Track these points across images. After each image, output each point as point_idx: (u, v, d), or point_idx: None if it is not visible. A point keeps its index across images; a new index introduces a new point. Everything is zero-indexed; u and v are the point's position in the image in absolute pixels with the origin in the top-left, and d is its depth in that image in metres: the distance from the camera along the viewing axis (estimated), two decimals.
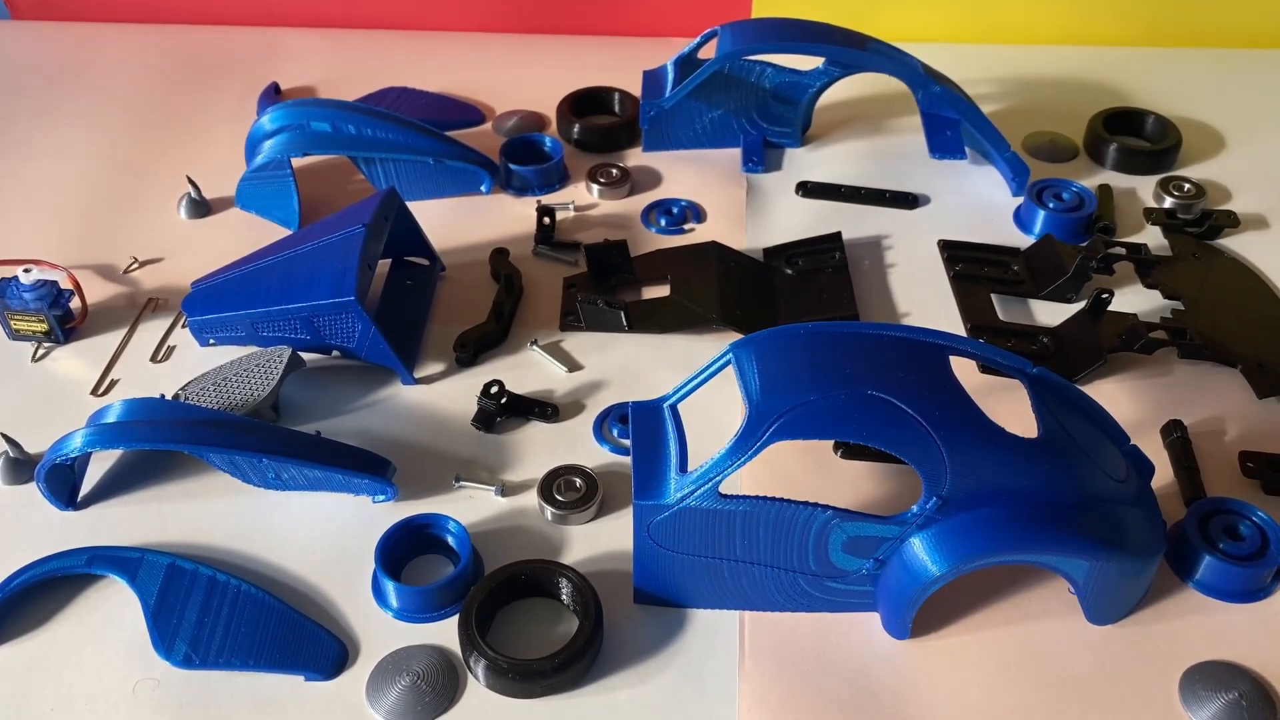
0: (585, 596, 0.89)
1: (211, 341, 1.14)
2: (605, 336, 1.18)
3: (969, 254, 1.27)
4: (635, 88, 1.46)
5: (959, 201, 1.37)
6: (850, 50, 1.33)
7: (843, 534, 0.86)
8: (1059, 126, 1.49)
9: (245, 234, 1.30)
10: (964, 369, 0.89)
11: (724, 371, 0.90)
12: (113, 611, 0.93)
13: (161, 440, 0.97)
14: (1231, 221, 1.31)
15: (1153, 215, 1.32)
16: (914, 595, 0.86)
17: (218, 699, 0.87)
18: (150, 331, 1.19)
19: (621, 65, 1.56)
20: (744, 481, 1.01)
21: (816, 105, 1.44)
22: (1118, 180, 1.40)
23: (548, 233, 1.28)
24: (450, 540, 0.96)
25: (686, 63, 1.41)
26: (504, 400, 1.07)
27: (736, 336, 1.11)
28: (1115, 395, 1.10)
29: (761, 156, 1.42)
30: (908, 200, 1.36)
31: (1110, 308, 1.15)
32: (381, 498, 1.01)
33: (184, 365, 1.15)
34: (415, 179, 1.34)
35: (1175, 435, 1.05)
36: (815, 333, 0.89)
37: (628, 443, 1.01)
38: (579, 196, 1.38)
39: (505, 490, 1.02)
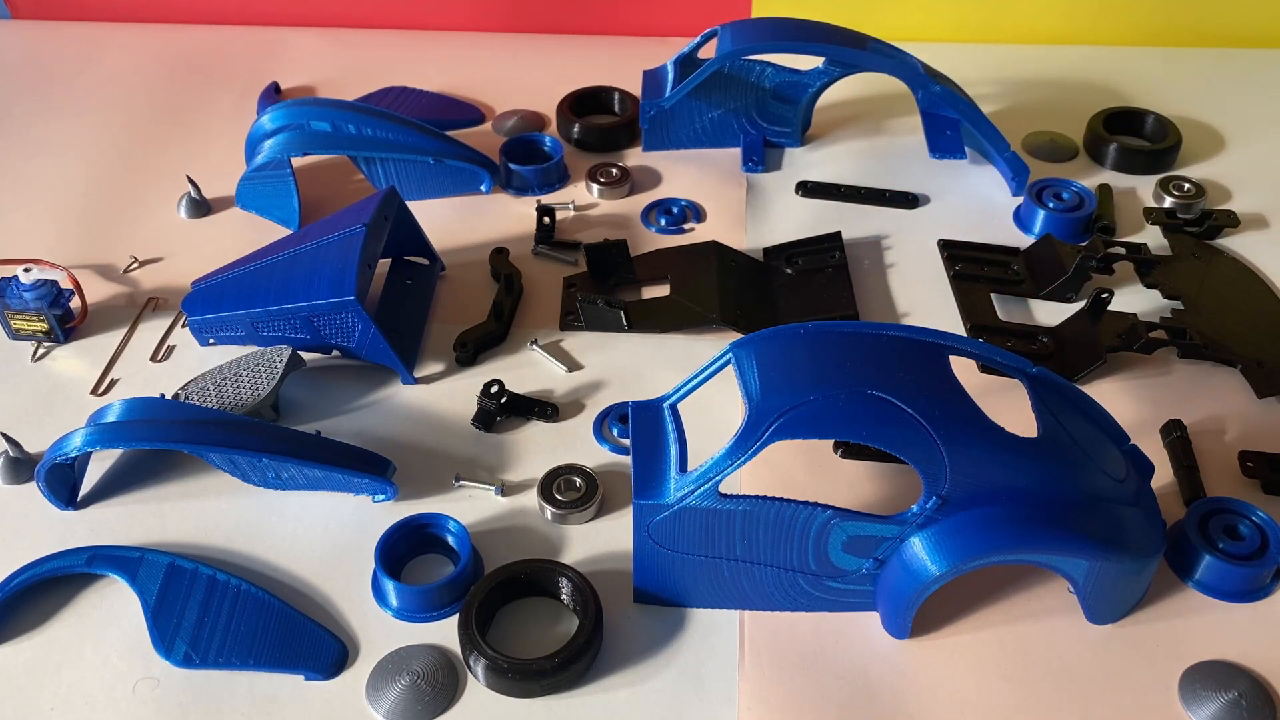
0: (585, 596, 0.89)
1: (211, 341, 1.14)
2: (605, 336, 1.18)
3: (969, 254, 1.27)
4: (635, 88, 1.46)
5: (959, 201, 1.37)
6: (850, 50, 1.33)
7: (842, 533, 0.86)
8: (1059, 126, 1.49)
9: (245, 234, 1.30)
10: (964, 369, 0.89)
11: (724, 371, 0.90)
12: (113, 611, 0.93)
13: (161, 440, 0.97)
14: (1231, 221, 1.31)
15: (1152, 215, 1.32)
16: (914, 595, 0.86)
17: (218, 698, 0.87)
18: (150, 331, 1.19)
19: (621, 65, 1.56)
20: (744, 481, 1.01)
21: (816, 105, 1.44)
22: (1118, 180, 1.40)
23: (548, 232, 1.28)
24: (450, 540, 0.96)
25: (686, 62, 1.41)
26: (504, 400, 1.07)
27: (736, 336, 1.12)
28: (1115, 395, 1.10)
29: (761, 156, 1.42)
30: (908, 200, 1.36)
31: (1110, 307, 1.15)
32: (381, 497, 1.01)
33: (184, 365, 1.15)
34: (415, 179, 1.34)
35: (1175, 435, 1.05)
36: (815, 332, 0.89)
37: (628, 442, 1.01)
38: (579, 196, 1.38)
39: (505, 490, 1.02)
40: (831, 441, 1.04)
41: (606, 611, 0.90)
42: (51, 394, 1.12)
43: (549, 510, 0.99)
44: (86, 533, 0.99)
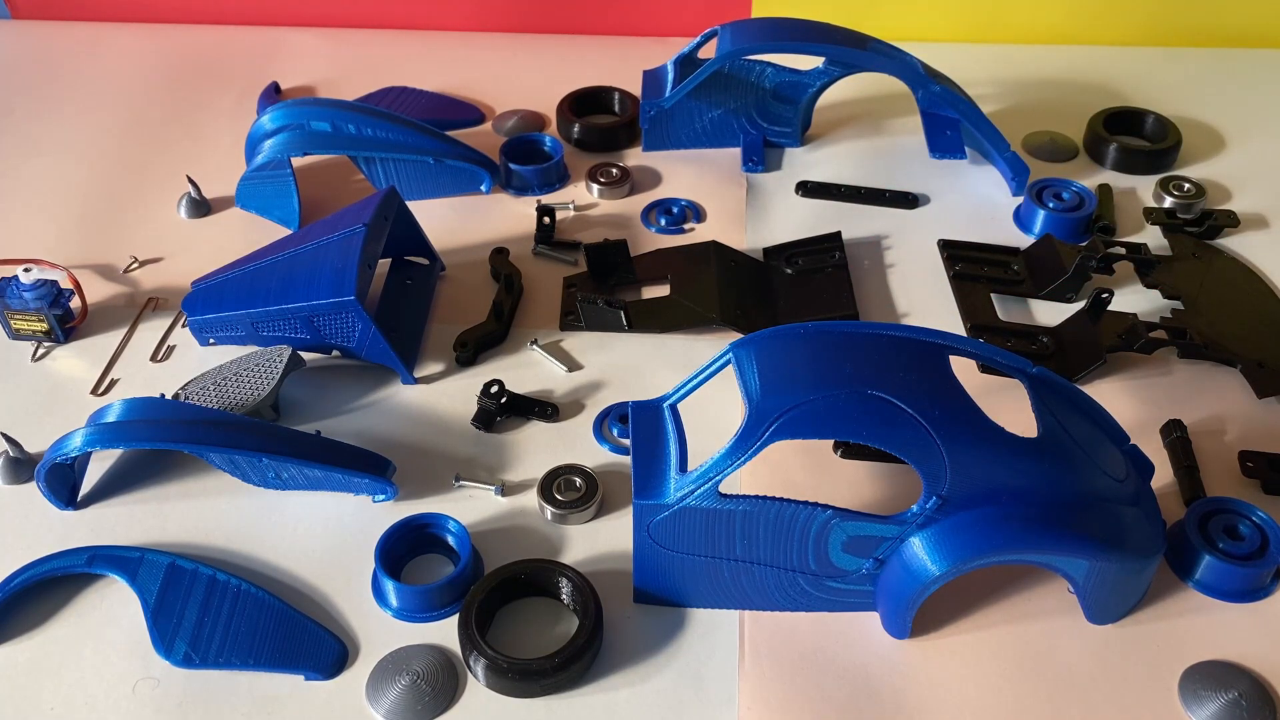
0: (585, 596, 0.89)
1: (211, 341, 1.15)
2: (605, 336, 1.18)
3: (969, 254, 1.27)
4: (635, 88, 1.46)
5: (959, 201, 1.37)
6: (850, 50, 1.33)
7: (842, 533, 0.86)
8: (1059, 126, 1.49)
9: (245, 234, 1.30)
10: (964, 369, 0.89)
11: (724, 371, 0.90)
12: (113, 611, 0.93)
13: (161, 440, 0.97)
14: (1231, 221, 1.31)
15: (1152, 215, 1.32)
16: (914, 595, 0.86)
17: (218, 698, 0.87)
18: (150, 331, 1.19)
19: (621, 65, 1.56)
20: (744, 481, 1.01)
21: (816, 105, 1.44)
22: (1118, 180, 1.40)
23: (547, 232, 1.28)
24: (450, 540, 0.96)
25: (686, 62, 1.41)
26: (504, 400, 1.07)
27: (736, 336, 1.12)
28: (1115, 395, 1.10)
29: (761, 156, 1.42)
30: (908, 200, 1.36)
31: (1110, 307, 1.15)
32: (381, 497, 1.01)
33: (184, 365, 1.15)
34: (415, 179, 1.34)
35: (1175, 435, 1.05)
36: (815, 332, 0.89)
37: (628, 442, 1.01)
38: (579, 196, 1.38)
39: (505, 490, 1.02)
40: (831, 441, 1.04)
41: (606, 611, 0.90)
42: (51, 394, 1.12)
43: (549, 510, 0.99)
44: (86, 533, 0.99)
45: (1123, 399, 1.10)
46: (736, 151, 1.44)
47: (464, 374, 1.14)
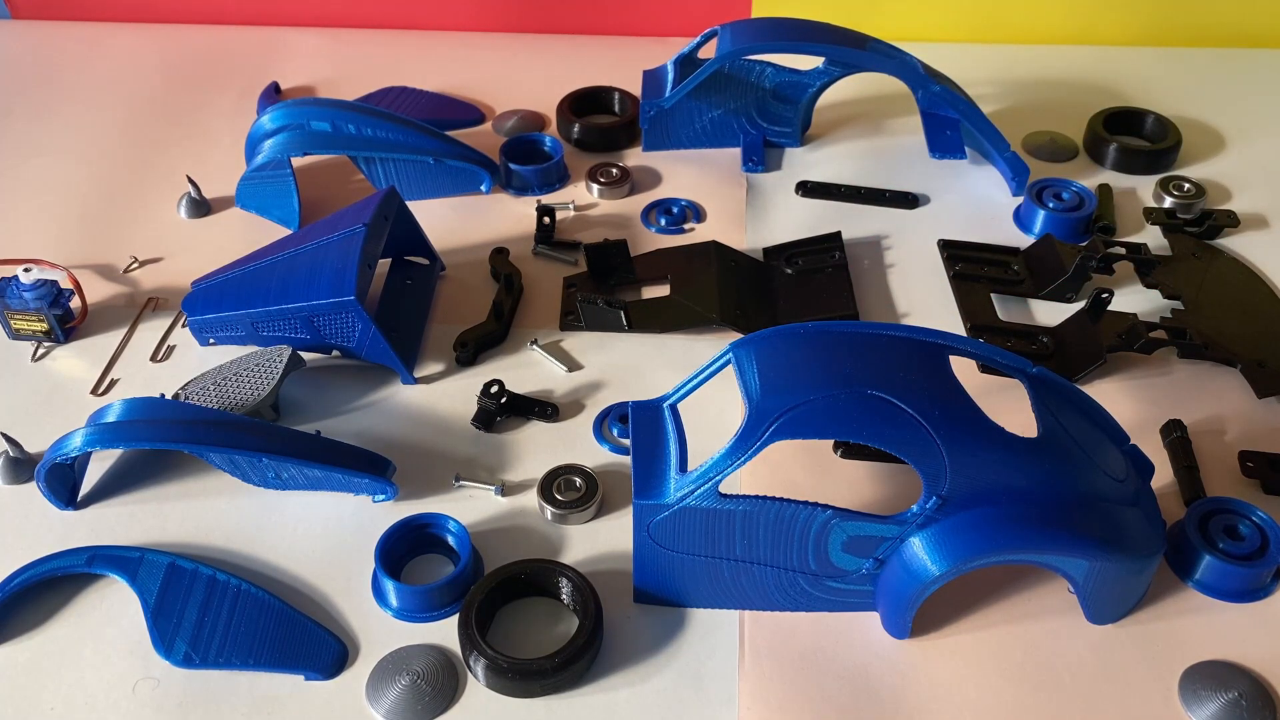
0: (585, 596, 0.89)
1: (211, 341, 1.15)
2: (605, 336, 1.18)
3: (969, 254, 1.27)
4: (635, 88, 1.46)
5: (959, 201, 1.37)
6: (850, 50, 1.33)
7: (842, 533, 0.86)
8: (1059, 126, 1.49)
9: (245, 234, 1.30)
10: (964, 369, 0.89)
11: (724, 371, 0.90)
12: (113, 611, 0.93)
13: (161, 440, 0.97)
14: (1231, 221, 1.31)
15: (1152, 215, 1.32)
16: (914, 595, 0.86)
17: (218, 698, 0.87)
18: (150, 331, 1.19)
19: (621, 65, 1.56)
20: (744, 481, 1.01)
21: (816, 105, 1.44)
22: (1118, 180, 1.40)
23: (547, 232, 1.28)
24: (450, 540, 0.96)
25: (686, 62, 1.41)
26: (504, 400, 1.07)
27: (736, 336, 1.12)
28: (1115, 395, 1.10)
29: (761, 156, 1.42)
30: (908, 200, 1.36)
31: (1110, 307, 1.15)
32: (381, 497, 1.01)
33: (184, 365, 1.15)
34: (415, 178, 1.34)
35: (1175, 435, 1.05)
36: (815, 332, 0.89)
37: (628, 442, 1.01)
38: (579, 196, 1.38)
39: (505, 490, 1.02)
40: (831, 441, 1.04)
41: (606, 611, 0.90)
42: (51, 394, 1.12)
43: (549, 510, 0.99)
44: (86, 533, 0.99)
45: (1123, 399, 1.10)
46: (736, 151, 1.44)
47: (464, 374, 1.14)
